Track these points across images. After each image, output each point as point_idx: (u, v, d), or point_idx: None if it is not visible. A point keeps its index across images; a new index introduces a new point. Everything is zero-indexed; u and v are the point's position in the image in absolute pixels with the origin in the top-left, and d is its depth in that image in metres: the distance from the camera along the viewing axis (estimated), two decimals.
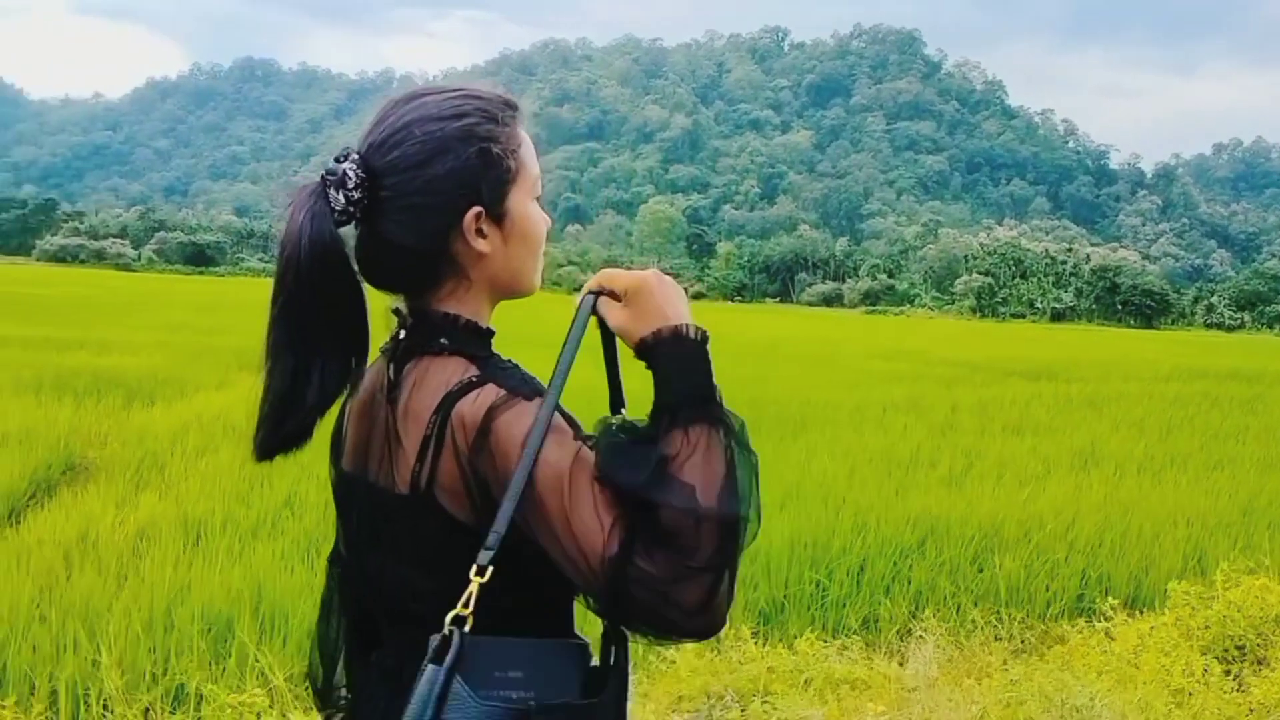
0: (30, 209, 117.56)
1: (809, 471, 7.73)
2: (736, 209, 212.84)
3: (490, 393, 1.23)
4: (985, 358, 22.82)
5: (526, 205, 1.35)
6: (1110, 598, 4.65)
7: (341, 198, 1.26)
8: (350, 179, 1.26)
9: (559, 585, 1.24)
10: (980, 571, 5.24)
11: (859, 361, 21.39)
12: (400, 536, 1.29)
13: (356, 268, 1.30)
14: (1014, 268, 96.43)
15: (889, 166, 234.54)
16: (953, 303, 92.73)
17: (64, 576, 4.27)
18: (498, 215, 1.31)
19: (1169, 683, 3.38)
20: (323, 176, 1.28)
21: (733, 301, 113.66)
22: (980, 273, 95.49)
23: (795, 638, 4.29)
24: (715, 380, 1.26)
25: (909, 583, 4.91)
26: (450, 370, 1.27)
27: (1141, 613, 4.60)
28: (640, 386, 1.27)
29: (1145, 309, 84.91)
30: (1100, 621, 4.39)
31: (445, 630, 1.20)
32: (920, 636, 4.24)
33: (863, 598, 4.78)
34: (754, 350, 24.67)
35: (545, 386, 1.29)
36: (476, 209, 1.28)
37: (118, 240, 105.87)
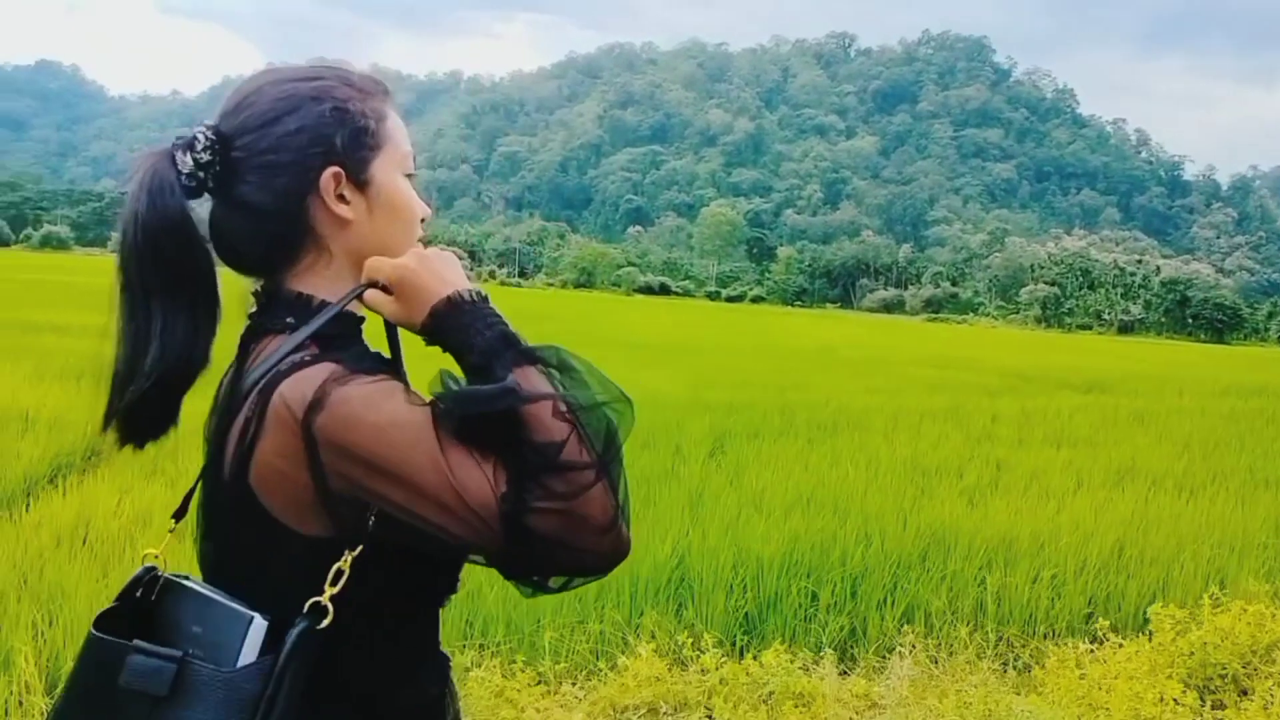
0: (106, 202, 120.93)
1: (825, 478, 7.60)
2: (799, 213, 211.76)
3: (324, 370, 1.14)
4: (1040, 368, 22.36)
5: (395, 178, 1.28)
6: (1102, 619, 4.47)
7: (189, 160, 1.20)
8: (199, 141, 1.20)
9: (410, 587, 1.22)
10: (979, 586, 5.09)
11: (908, 369, 21.09)
12: (223, 529, 1.23)
13: (211, 248, 1.25)
14: (1082, 278, 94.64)
15: (955, 174, 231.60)
16: (1017, 312, 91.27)
17: (53, 559, 4.32)
18: (361, 181, 1.24)
19: (1139, 711, 3.21)
20: (172, 144, 1.23)
21: (792, 306, 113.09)
22: (1047, 282, 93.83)
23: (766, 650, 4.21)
24: (514, 328, 1.19)
25: (904, 596, 4.78)
26: (286, 350, 1.19)
27: (1145, 636, 4.41)
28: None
29: (1217, 323, 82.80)
30: (1087, 644, 4.21)
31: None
32: (900, 653, 4.11)
33: (853, 610, 4.66)
34: (802, 354, 24.50)
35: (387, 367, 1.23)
36: (334, 169, 1.22)
37: None
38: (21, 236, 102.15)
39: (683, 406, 11.45)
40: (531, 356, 1.15)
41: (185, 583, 1.20)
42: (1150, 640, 4.16)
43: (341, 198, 1.23)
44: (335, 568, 1.15)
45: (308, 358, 1.17)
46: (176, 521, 1.30)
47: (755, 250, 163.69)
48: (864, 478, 7.71)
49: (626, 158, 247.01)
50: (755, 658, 3.71)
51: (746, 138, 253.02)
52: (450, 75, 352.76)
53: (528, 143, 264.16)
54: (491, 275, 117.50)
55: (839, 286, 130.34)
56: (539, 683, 3.46)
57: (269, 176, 1.21)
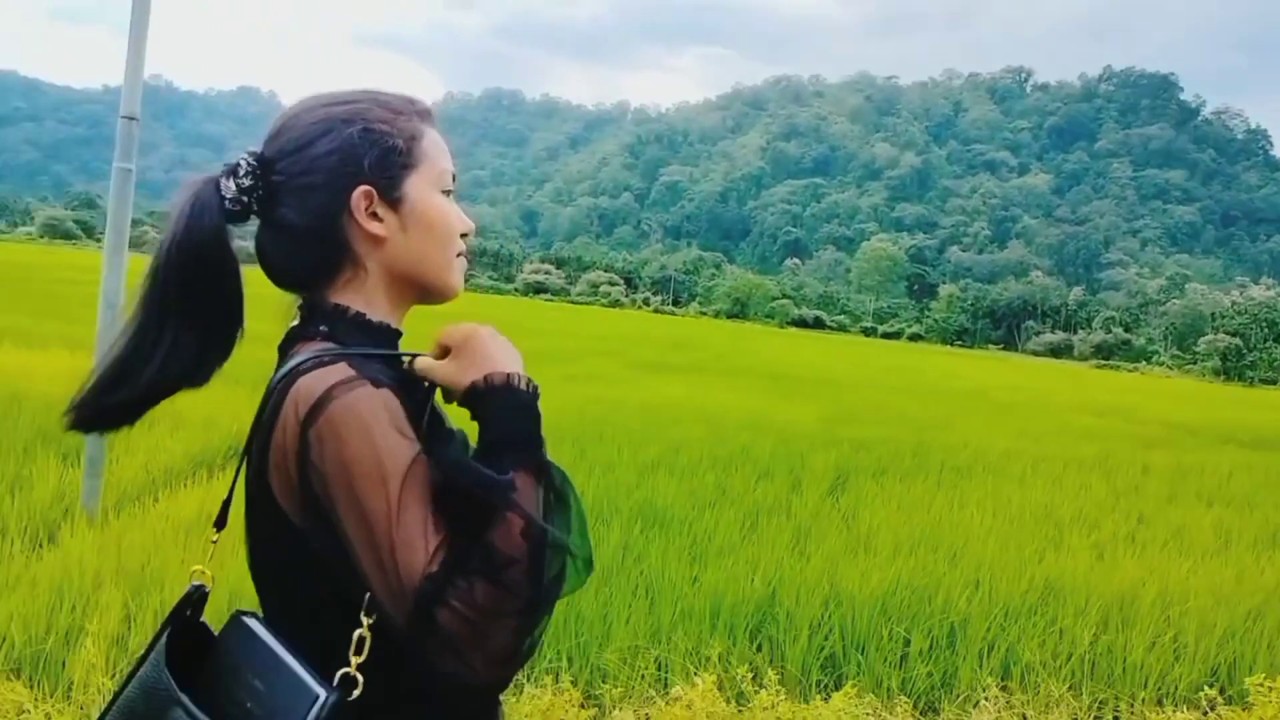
0: None
1: (945, 521, 7.34)
2: (964, 250, 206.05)
3: (338, 371, 1.18)
4: (1207, 422, 21.04)
5: (430, 195, 1.31)
6: (1209, 689, 4.13)
7: (233, 185, 1.25)
8: (242, 167, 1.26)
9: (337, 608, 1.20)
10: (1091, 644, 4.80)
11: (1064, 415, 20.20)
12: (253, 526, 1.28)
13: (261, 266, 1.32)
14: (1267, 330, 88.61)
15: (1134, 215, 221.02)
16: (1195, 363, 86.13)
17: (160, 550, 4.58)
18: (394, 199, 1.28)
19: None
20: (221, 170, 1.30)
21: (952, 346, 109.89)
22: (1228, 332, 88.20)
23: (887, 693, 4.08)
24: (543, 434, 1.23)
25: (1003, 648, 4.55)
26: (311, 350, 1.24)
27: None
28: None
29: None
30: (1194, 713, 3.90)
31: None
32: (984, 706, 3.91)
33: (947, 659, 4.47)
34: (952, 395, 23.77)
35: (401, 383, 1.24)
36: (365, 187, 1.26)
37: None
38: None
39: (812, 440, 11.28)
40: (541, 468, 1.18)
41: (256, 628, 1.21)
42: (1249, 713, 3.84)
43: (375, 215, 1.27)
44: (357, 634, 1.18)
45: (327, 358, 1.21)
46: (218, 530, 1.35)
47: (915, 287, 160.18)
48: (987, 524, 7.42)
49: (787, 189, 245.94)
50: (826, 699, 3.60)
51: (912, 172, 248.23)
52: (617, 106, 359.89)
53: (689, 172, 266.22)
54: (645, 302, 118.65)
55: (1003, 328, 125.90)
56: (591, 704, 3.46)
57: (304, 198, 1.26)
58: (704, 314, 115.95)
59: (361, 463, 1.13)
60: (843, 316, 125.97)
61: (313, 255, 1.28)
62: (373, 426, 1.14)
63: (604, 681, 3.72)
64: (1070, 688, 4.32)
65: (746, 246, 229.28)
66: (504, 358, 1.24)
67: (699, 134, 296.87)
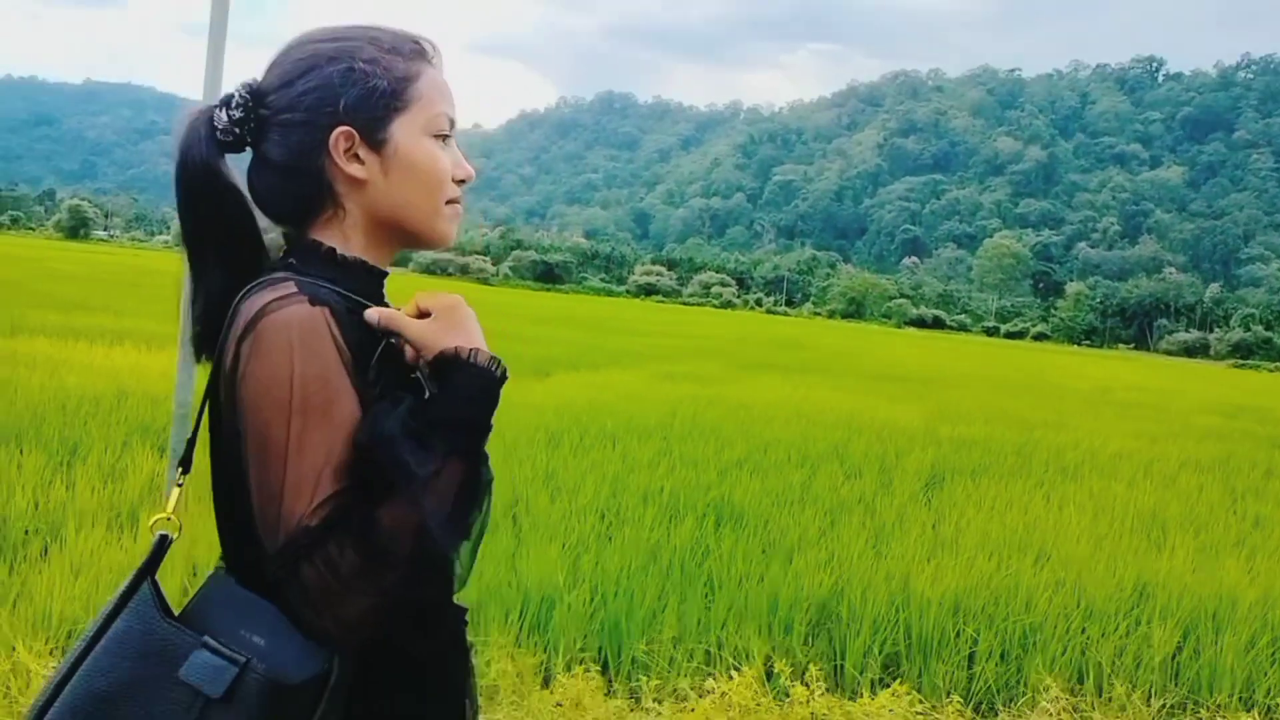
0: None
1: (1040, 522, 7.04)
2: (1092, 247, 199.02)
3: (280, 289, 1.17)
4: None
5: (417, 139, 1.27)
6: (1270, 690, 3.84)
7: (225, 116, 1.24)
8: (235, 99, 1.25)
9: None
10: (1177, 649, 4.53)
11: (1191, 416, 19.24)
12: (213, 456, 1.25)
13: (251, 197, 1.30)
14: None
15: (1275, 208, 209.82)
16: None
17: None
18: (377, 142, 1.25)
19: None
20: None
21: (1079, 345, 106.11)
22: None
23: (942, 693, 3.92)
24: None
25: (1078, 649, 4.32)
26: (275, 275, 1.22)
27: None
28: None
29: None
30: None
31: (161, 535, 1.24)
32: (1045, 709, 3.71)
33: (1021, 660, 4.27)
34: (1072, 394, 22.92)
35: (350, 310, 1.20)
36: (344, 128, 1.23)
37: (480, 257, 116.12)
38: None
39: (911, 439, 10.99)
40: (473, 462, 1.17)
41: (241, 587, 1.18)
42: None
43: (357, 157, 1.25)
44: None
45: (279, 276, 1.20)
46: (184, 471, 1.32)
47: (1041, 285, 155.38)
48: (1084, 525, 7.10)
49: (905, 187, 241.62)
50: (874, 697, 3.48)
51: (1037, 166, 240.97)
52: (730, 106, 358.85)
53: (803, 171, 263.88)
54: (758, 303, 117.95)
55: (1133, 326, 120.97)
56: (625, 695, 3.40)
57: (286, 134, 1.24)
58: (818, 314, 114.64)
59: (274, 387, 1.12)
60: (963, 316, 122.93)
61: (293, 192, 1.26)
62: (297, 347, 1.13)
63: (643, 673, 3.67)
64: (1143, 693, 4.07)
65: (863, 245, 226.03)
66: (479, 335, 1.23)
67: (813, 132, 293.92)
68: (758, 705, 3.06)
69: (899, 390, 18.96)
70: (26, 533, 4.73)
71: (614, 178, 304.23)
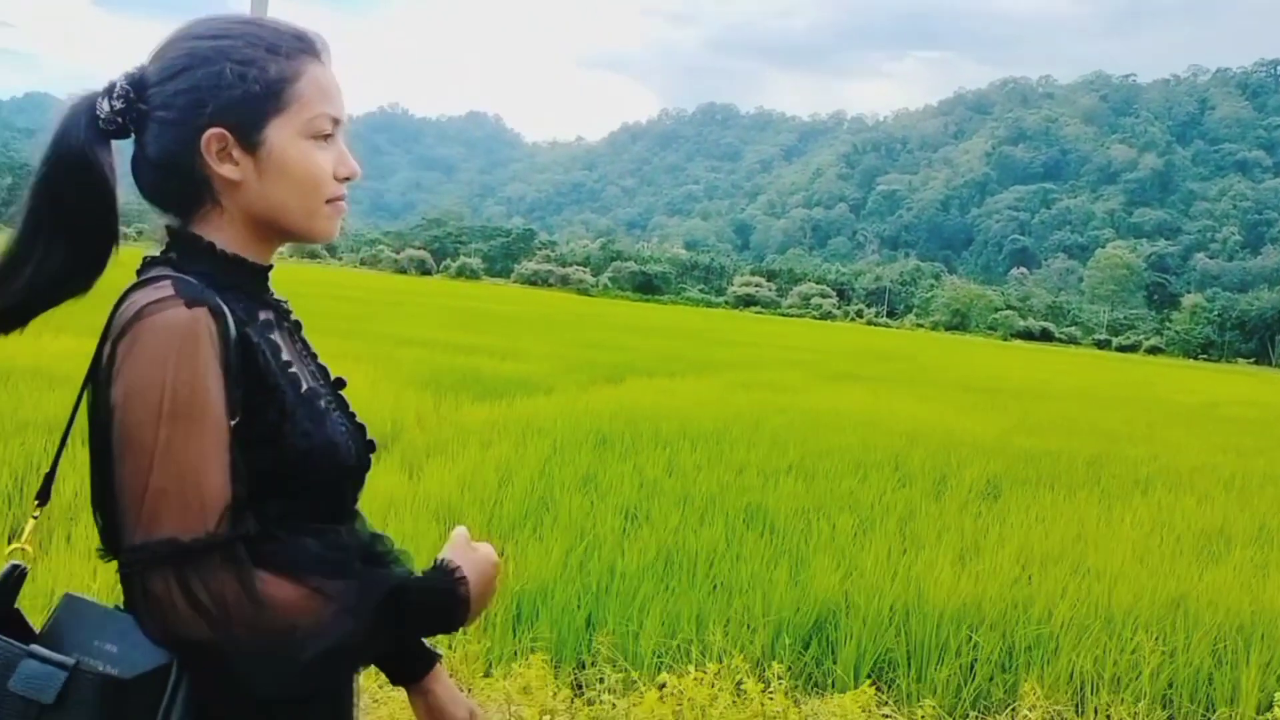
0: (512, 238, 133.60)
1: (1089, 535, 6.83)
2: (1211, 258, 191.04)
3: (158, 290, 1.16)
4: None
5: (292, 142, 1.26)
6: None
7: (107, 105, 1.23)
8: (116, 89, 1.24)
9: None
10: (1218, 666, 4.35)
11: None
12: (92, 452, 1.23)
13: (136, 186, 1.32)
14: None
15: None
16: None
17: None
18: (251, 144, 1.24)
19: None
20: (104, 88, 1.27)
21: (1195, 359, 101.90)
22: None
23: (903, 697, 3.85)
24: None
25: (1088, 661, 4.18)
26: (152, 272, 1.22)
27: None
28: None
29: None
30: None
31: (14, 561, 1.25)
32: (1025, 716, 3.60)
33: (1026, 670, 4.15)
34: (1171, 408, 22.05)
35: (228, 311, 1.19)
36: (216, 130, 1.22)
37: (580, 268, 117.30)
38: (442, 267, 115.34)
39: (978, 450, 10.76)
40: (360, 660, 1.24)
41: (94, 600, 1.20)
42: None
43: (231, 157, 1.24)
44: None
45: (159, 276, 1.19)
46: (40, 504, 1.32)
47: (1155, 297, 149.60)
48: (1136, 538, 6.87)
49: (1014, 196, 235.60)
50: (839, 697, 3.44)
51: (1153, 175, 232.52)
52: (833, 116, 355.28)
53: (908, 181, 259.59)
54: (859, 315, 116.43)
55: (1255, 340, 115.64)
56: (584, 686, 3.44)
57: (162, 131, 1.24)
58: (920, 326, 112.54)
59: (146, 390, 1.12)
60: (1073, 328, 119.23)
61: (171, 187, 1.27)
62: (170, 353, 1.13)
63: (608, 667, 3.69)
64: (1131, 707, 3.92)
65: (969, 256, 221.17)
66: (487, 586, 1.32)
67: (919, 140, 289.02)
68: (710, 701, 3.06)
69: (983, 401, 18.53)
70: None
71: (715, 189, 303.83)
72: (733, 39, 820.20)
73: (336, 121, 1.30)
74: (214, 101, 1.22)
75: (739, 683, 3.24)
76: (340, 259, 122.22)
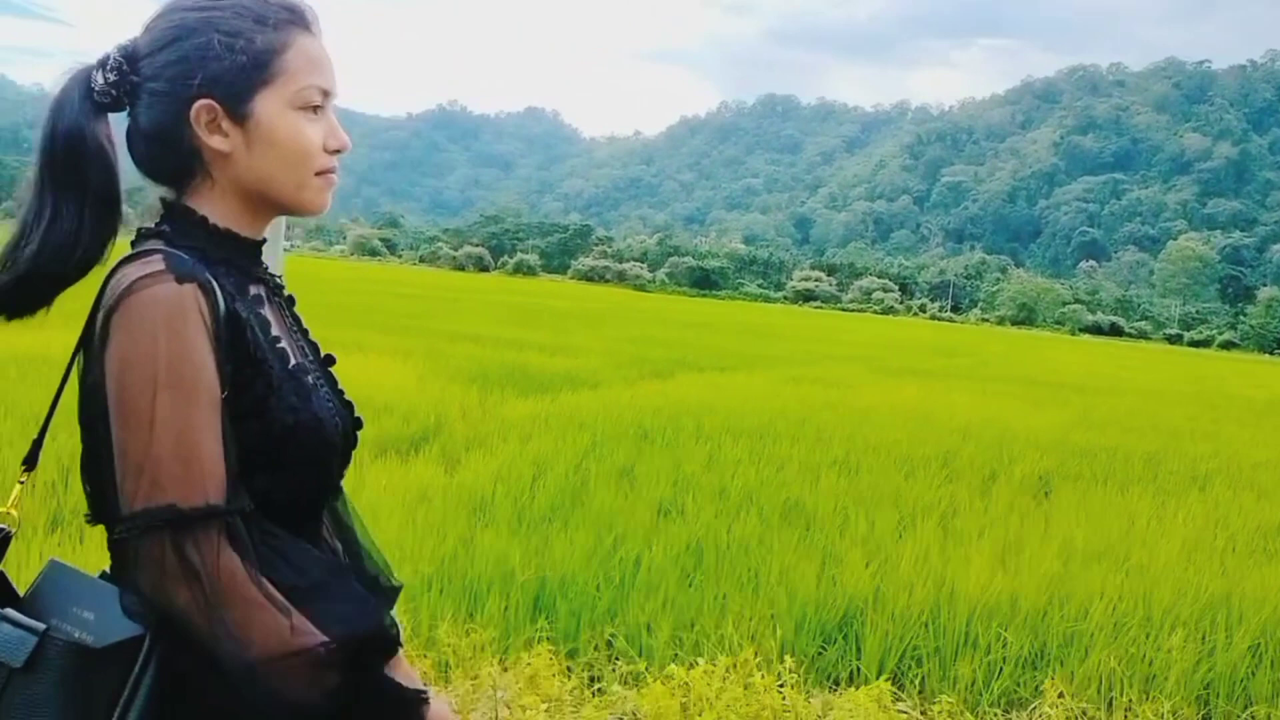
0: (570, 234, 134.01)
1: (1138, 531, 6.64)
2: None
3: (150, 264, 1.17)
4: None
5: (280, 113, 1.26)
6: None
7: (101, 79, 1.25)
8: (110, 61, 1.25)
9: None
10: (1258, 665, 4.20)
11: None
12: (81, 423, 1.25)
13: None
14: None
15: None
16: None
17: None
18: (239, 115, 1.25)
19: None
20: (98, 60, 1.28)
21: (1272, 354, 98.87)
22: None
23: (928, 693, 3.76)
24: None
25: (1120, 660, 4.05)
26: (146, 245, 1.23)
27: None
28: None
29: None
30: None
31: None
32: (1046, 714, 3.49)
33: (1058, 668, 4.04)
34: (1240, 404, 21.44)
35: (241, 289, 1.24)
36: (205, 101, 1.23)
37: (637, 263, 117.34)
38: (499, 263, 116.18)
39: (1033, 445, 10.54)
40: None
41: (74, 567, 1.21)
42: None
43: (220, 129, 1.25)
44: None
45: (150, 249, 1.20)
46: (28, 469, 1.32)
47: (1230, 290, 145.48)
48: (1190, 534, 6.67)
49: (1083, 187, 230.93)
50: (856, 691, 3.37)
51: (1227, 164, 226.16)
52: (897, 106, 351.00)
53: (974, 172, 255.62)
54: (922, 309, 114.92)
55: None
56: (588, 683, 3.42)
57: (152, 103, 1.25)
58: (985, 321, 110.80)
59: (138, 362, 1.13)
60: (1143, 323, 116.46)
61: (163, 159, 1.28)
62: (161, 327, 1.13)
63: (619, 659, 3.67)
64: (1175, 702, 3.80)
65: (1036, 249, 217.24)
66: None
67: (984, 131, 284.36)
68: (718, 694, 3.02)
69: (1044, 397, 18.16)
70: None
71: (775, 182, 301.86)
72: (793, 29, 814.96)
73: (326, 93, 1.31)
74: (202, 72, 1.23)
75: (750, 676, 3.19)
76: (400, 256, 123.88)
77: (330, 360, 1.41)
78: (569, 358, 16.20)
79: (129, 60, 1.25)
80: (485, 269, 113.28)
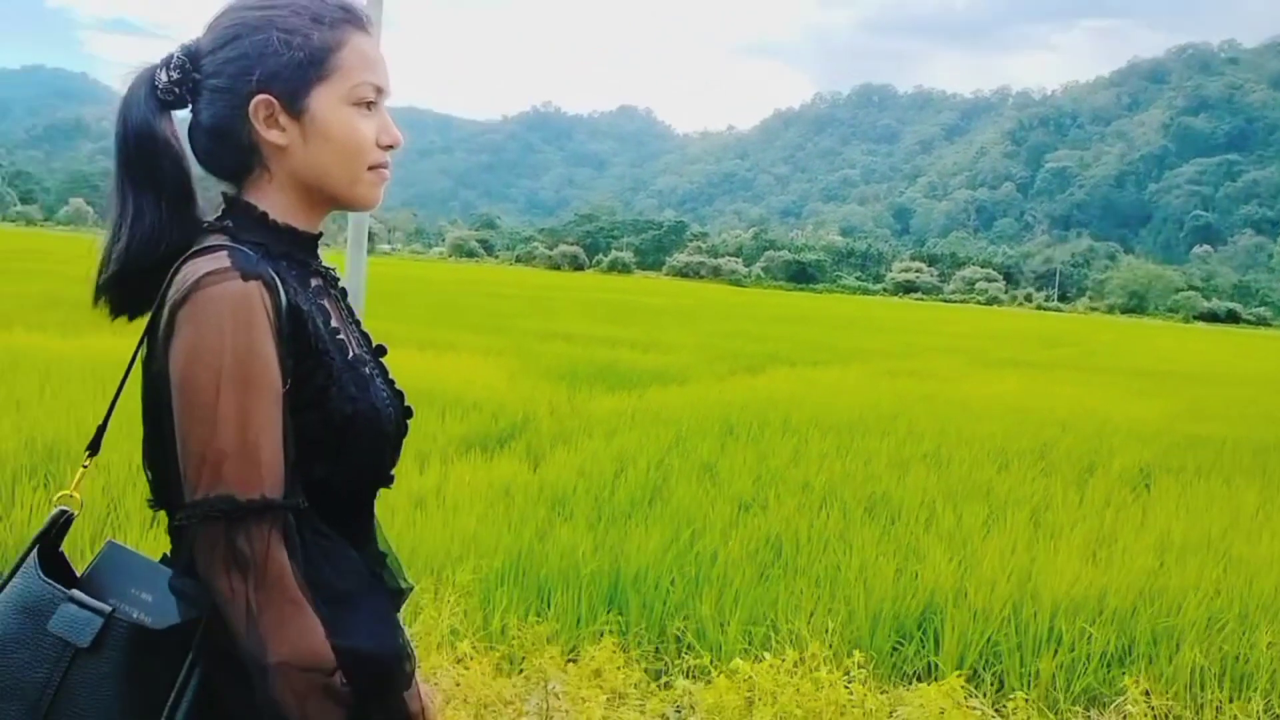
0: (664, 230, 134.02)
1: (1240, 525, 6.37)
2: None
3: (215, 260, 1.21)
4: None
5: (336, 109, 1.31)
6: None
7: (164, 76, 1.30)
8: (173, 60, 1.31)
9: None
10: None
11: None
12: (144, 414, 1.30)
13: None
14: None
15: None
16: None
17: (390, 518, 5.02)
18: (297, 111, 1.29)
19: None
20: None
21: None
22: None
23: (1006, 690, 3.67)
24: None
25: (1209, 654, 3.89)
26: (210, 240, 1.27)
27: None
28: None
29: None
30: None
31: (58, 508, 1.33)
32: (1124, 709, 3.37)
33: (1148, 666, 3.90)
34: None
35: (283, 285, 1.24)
36: (264, 97, 1.27)
37: (732, 258, 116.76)
38: (594, 262, 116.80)
39: (1136, 437, 10.21)
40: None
41: (131, 549, 1.29)
42: None
43: (278, 124, 1.29)
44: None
45: (214, 244, 1.24)
46: (91, 454, 1.38)
47: None
48: (1265, 524, 6.39)
49: (1195, 169, 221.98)
50: (928, 686, 3.30)
51: None
52: (997, 92, 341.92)
53: (1079, 157, 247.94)
54: (1027, 299, 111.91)
55: None
56: (654, 676, 3.41)
57: (213, 99, 1.30)
58: (1094, 310, 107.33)
59: (205, 355, 1.16)
60: (1262, 309, 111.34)
61: (223, 154, 1.32)
62: (228, 322, 1.17)
63: (687, 652, 3.67)
64: (1269, 701, 3.64)
65: (1147, 234, 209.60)
66: None
67: (1090, 114, 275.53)
68: (780, 688, 3.00)
69: (1150, 387, 17.54)
70: None
71: (872, 172, 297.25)
72: (887, 18, 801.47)
73: (380, 90, 1.35)
74: (261, 69, 1.28)
75: (816, 671, 3.16)
76: (496, 257, 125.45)
77: (382, 350, 1.45)
78: (660, 354, 16.21)
79: (191, 58, 1.30)
80: (580, 268, 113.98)
